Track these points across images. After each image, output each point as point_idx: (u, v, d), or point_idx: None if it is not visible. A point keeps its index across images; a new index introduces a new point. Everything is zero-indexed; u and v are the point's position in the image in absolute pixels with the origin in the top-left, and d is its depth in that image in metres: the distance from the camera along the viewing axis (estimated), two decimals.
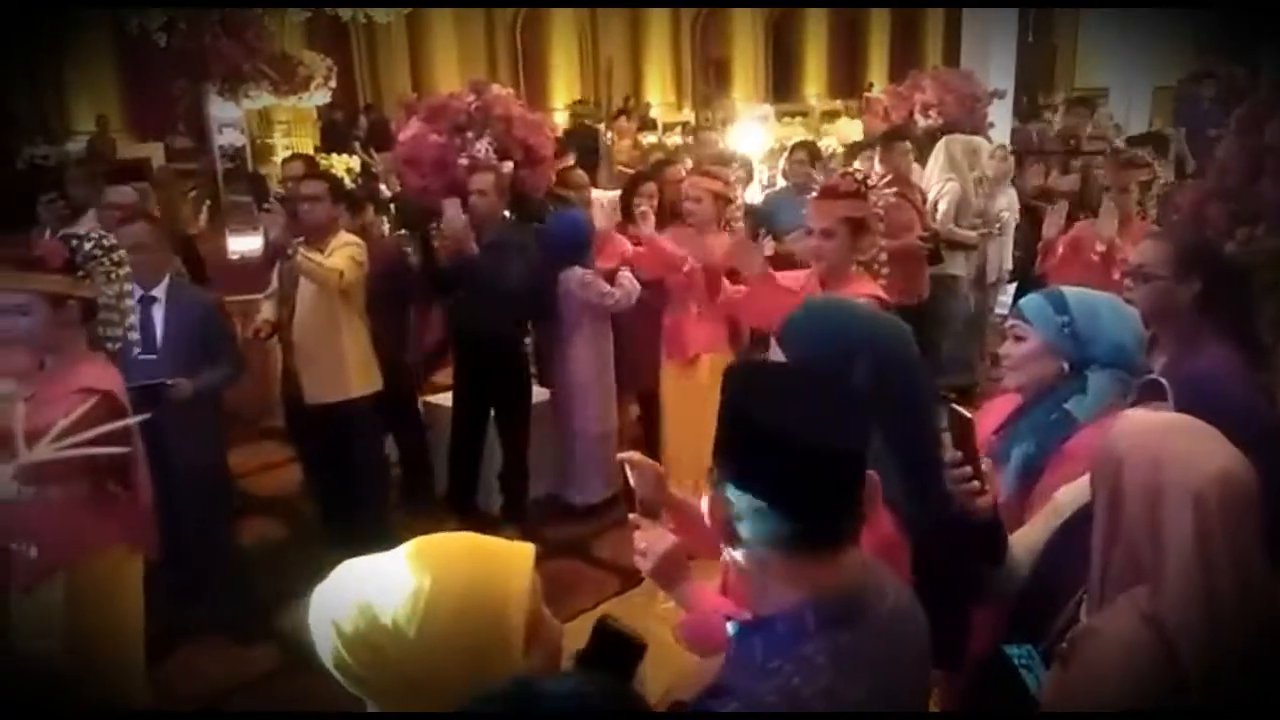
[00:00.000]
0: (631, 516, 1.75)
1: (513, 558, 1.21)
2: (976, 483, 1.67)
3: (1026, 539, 1.79)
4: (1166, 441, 1.41)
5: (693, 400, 4.20)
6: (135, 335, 2.91)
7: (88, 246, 2.69)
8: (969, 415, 1.70)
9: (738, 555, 1.25)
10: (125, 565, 2.74)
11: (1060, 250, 4.42)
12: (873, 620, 1.24)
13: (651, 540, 1.65)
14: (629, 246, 4.69)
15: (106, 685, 2.70)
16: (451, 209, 4.31)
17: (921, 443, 1.70)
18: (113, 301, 2.76)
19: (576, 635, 1.28)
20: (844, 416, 1.23)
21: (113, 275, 2.74)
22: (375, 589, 1.14)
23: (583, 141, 9.69)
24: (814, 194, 3.35)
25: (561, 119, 14.36)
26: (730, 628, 1.30)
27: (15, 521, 2.51)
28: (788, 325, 1.75)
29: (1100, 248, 3.99)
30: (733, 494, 1.21)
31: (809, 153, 6.15)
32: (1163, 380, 1.77)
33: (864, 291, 3.24)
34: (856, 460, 1.21)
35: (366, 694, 1.16)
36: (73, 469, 2.50)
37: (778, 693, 1.15)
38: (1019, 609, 1.74)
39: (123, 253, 2.80)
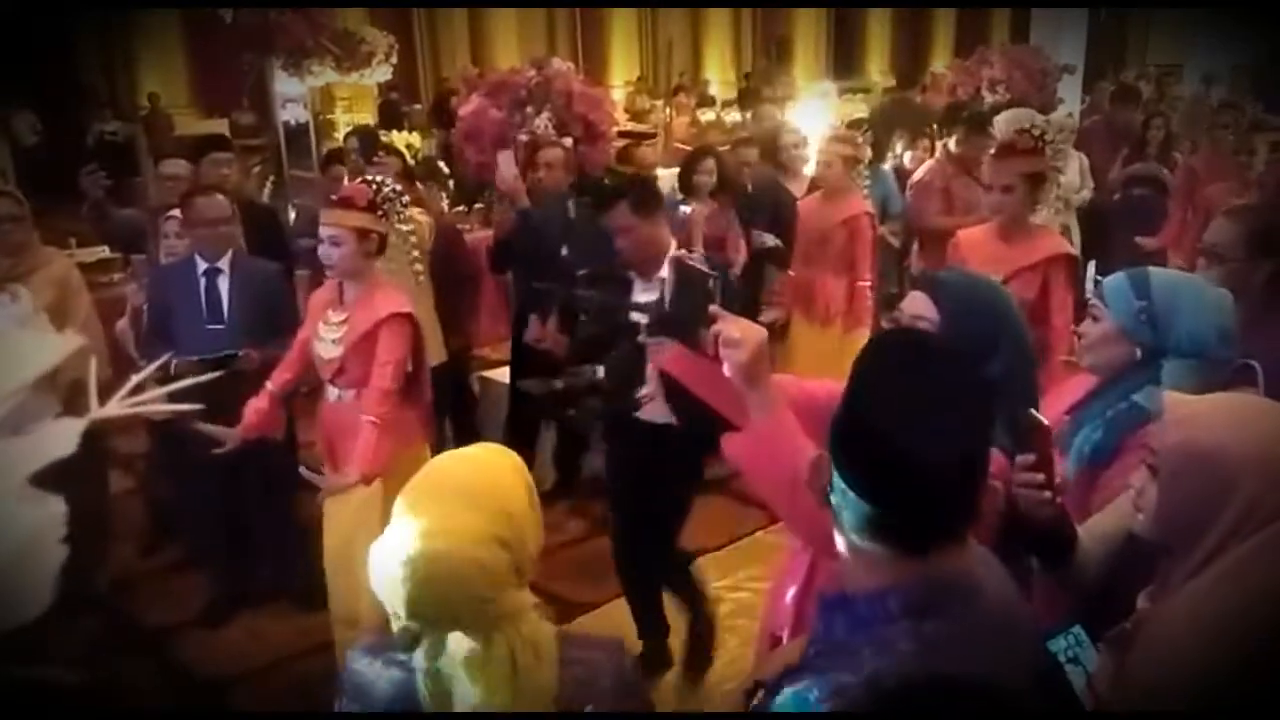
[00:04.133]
0: (712, 309, 1.62)
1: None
2: (1046, 491, 1.59)
3: (1099, 527, 1.73)
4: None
5: (826, 360, 4.36)
6: (420, 267, 3.36)
7: (385, 190, 3.10)
8: (1046, 423, 1.63)
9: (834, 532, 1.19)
10: (423, 452, 3.18)
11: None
12: (962, 613, 1.15)
13: (743, 329, 1.54)
14: None
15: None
16: (504, 161, 4.36)
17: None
18: (399, 239, 3.15)
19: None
20: (971, 415, 1.14)
21: (402, 216, 3.16)
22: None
23: None
24: (992, 152, 3.59)
25: (620, 96, 14.29)
26: (819, 602, 1.24)
27: (351, 427, 3.01)
28: (946, 284, 1.73)
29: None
30: (836, 480, 1.15)
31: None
32: (1254, 364, 1.71)
33: (1049, 245, 3.39)
34: (972, 466, 1.14)
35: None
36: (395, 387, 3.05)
37: (854, 674, 1.10)
38: (1090, 597, 1.69)
39: (407, 197, 3.23)
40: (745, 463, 1.58)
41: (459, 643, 1.33)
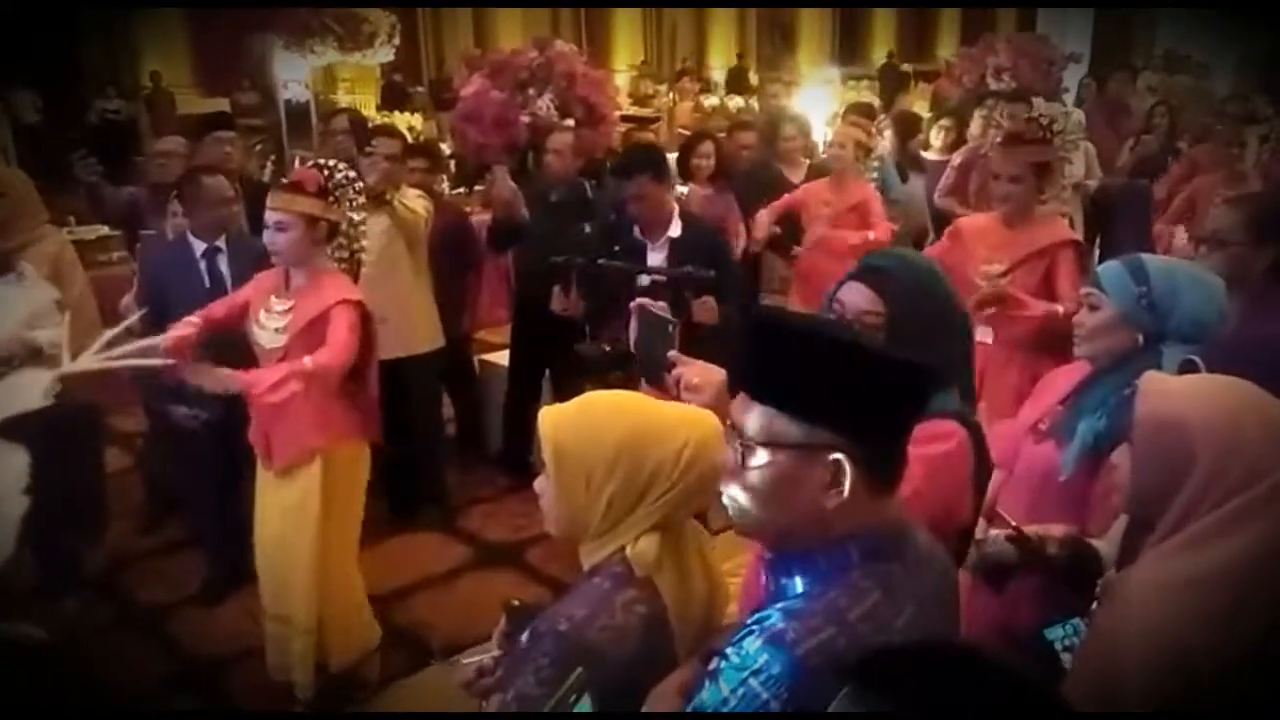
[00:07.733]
0: (671, 354, 1.71)
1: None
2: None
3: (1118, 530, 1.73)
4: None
5: None
6: (367, 257, 3.22)
7: (338, 176, 2.97)
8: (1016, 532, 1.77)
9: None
10: (362, 450, 3.17)
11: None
12: (911, 554, 1.24)
13: (702, 373, 1.62)
14: None
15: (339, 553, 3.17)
16: (501, 174, 4.33)
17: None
18: (350, 226, 3.05)
19: None
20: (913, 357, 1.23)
21: (355, 202, 3.04)
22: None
23: None
24: (999, 141, 3.60)
25: (624, 81, 14.22)
26: (774, 563, 1.27)
27: (288, 414, 2.88)
28: (887, 273, 1.69)
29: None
30: (808, 433, 1.16)
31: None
32: (1196, 360, 1.73)
33: (1057, 234, 3.36)
34: (924, 401, 1.22)
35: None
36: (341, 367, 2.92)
37: (825, 614, 1.14)
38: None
39: (360, 183, 3.10)
40: None
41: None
